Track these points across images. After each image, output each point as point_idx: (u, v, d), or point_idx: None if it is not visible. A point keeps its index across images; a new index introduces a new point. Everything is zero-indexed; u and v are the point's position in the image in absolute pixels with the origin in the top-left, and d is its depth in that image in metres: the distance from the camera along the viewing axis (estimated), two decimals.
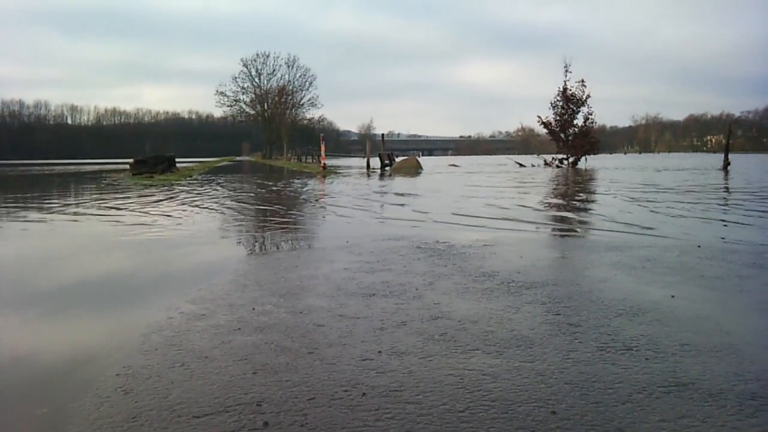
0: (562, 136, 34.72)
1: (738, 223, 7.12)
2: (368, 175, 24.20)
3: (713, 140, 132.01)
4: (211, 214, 8.91)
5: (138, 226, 7.37)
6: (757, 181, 16.06)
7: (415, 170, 27.80)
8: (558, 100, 34.50)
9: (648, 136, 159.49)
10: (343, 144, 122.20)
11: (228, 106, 78.48)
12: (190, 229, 7.09)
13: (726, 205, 9.66)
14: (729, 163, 24.99)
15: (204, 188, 15.79)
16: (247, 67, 77.53)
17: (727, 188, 13.91)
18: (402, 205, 10.28)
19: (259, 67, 77.96)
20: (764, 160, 47.64)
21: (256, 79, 78.24)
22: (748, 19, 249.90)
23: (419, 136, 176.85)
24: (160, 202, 11.04)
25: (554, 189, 14.79)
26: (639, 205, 9.43)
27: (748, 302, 3.33)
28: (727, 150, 25.93)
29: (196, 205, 10.33)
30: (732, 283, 3.77)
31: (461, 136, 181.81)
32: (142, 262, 5.07)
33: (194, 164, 44.65)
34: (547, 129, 35.31)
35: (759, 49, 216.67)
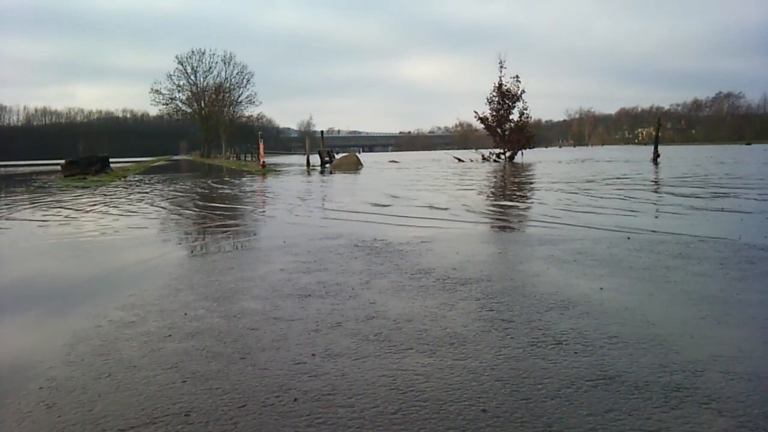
0: (499, 131, 35.28)
1: (666, 213, 7.35)
2: (308, 173, 24.08)
3: (644, 133, 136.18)
4: (144, 215, 8.70)
5: (67, 230, 7.14)
6: (684, 173, 16.62)
7: (355, 167, 27.79)
8: (494, 96, 35.05)
9: (582, 130, 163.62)
10: (283, 141, 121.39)
11: (163, 104, 76.62)
12: (122, 231, 6.91)
13: (655, 196, 9.96)
14: (659, 155, 25.77)
15: (139, 189, 15.43)
16: (182, 65, 75.85)
17: (656, 180, 14.35)
18: (341, 202, 10.25)
19: (195, 65, 76.36)
20: (692, 151, 49.35)
21: (192, 77, 76.59)
22: (678, 15, 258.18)
23: (359, 133, 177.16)
24: (92, 204, 10.72)
25: (491, 184, 14.99)
26: (572, 199, 9.64)
27: (673, 293, 3.43)
28: (656, 142, 26.74)
29: (130, 207, 10.08)
30: (659, 274, 3.88)
31: (401, 132, 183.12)
32: (70, 267, 4.91)
33: (129, 164, 43.64)
34: (484, 124, 35.82)
35: (688, 45, 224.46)
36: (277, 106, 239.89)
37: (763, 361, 2.33)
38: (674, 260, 4.32)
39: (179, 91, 76.46)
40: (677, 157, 32.20)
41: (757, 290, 3.42)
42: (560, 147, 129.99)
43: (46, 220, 8.40)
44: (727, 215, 6.92)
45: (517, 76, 34.77)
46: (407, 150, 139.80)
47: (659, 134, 27.65)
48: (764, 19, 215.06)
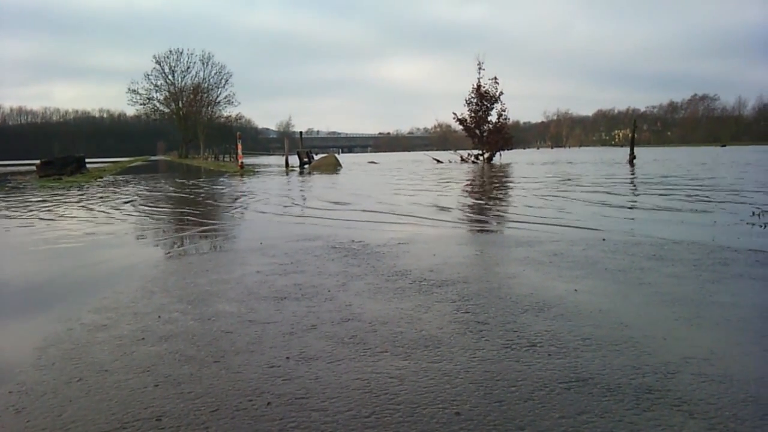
0: (477, 132, 35.41)
1: (641, 215, 7.42)
2: (287, 174, 23.99)
3: (620, 134, 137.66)
4: (120, 217, 8.61)
5: (42, 230, 7.05)
6: (659, 175, 16.79)
7: (334, 168, 27.75)
8: (472, 97, 35.20)
9: (560, 132, 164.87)
10: (261, 142, 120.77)
11: (141, 104, 76.01)
12: (97, 232, 6.84)
13: (631, 198, 10.04)
14: (635, 157, 26.02)
15: (115, 190, 15.28)
16: (160, 65, 75.31)
17: (632, 181, 14.48)
18: (319, 204, 10.22)
19: (173, 64, 75.87)
20: (667, 153, 49.87)
21: (170, 77, 76.12)
22: (656, 18, 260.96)
23: (339, 134, 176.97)
24: (66, 205, 10.59)
25: (469, 185, 15.04)
26: (549, 200, 9.70)
27: (647, 294, 3.45)
28: (632, 144, 27.01)
29: (106, 208, 9.98)
30: (633, 276, 3.91)
31: (380, 133, 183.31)
32: (43, 268, 4.83)
33: (106, 165, 43.18)
34: (463, 126, 35.93)
35: (664, 47, 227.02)
36: (256, 107, 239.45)
37: (735, 363, 2.35)
38: (648, 262, 4.36)
39: (157, 91, 76.03)
40: (653, 159, 32.53)
41: (730, 292, 3.45)
42: (538, 148, 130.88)
43: (20, 221, 8.28)
44: (702, 217, 6.99)
45: (496, 78, 34.97)
46: (386, 151, 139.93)
47: (635, 136, 27.89)
48: (739, 23, 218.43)
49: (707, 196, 9.65)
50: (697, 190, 11.14)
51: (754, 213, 7.04)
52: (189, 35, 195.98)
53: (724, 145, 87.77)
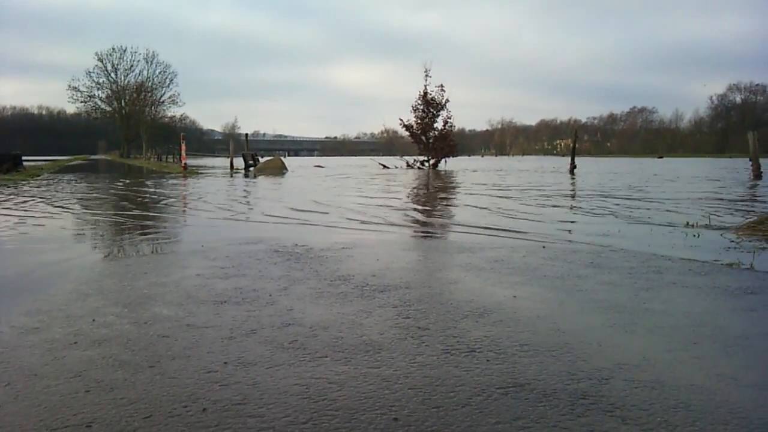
0: (424, 138, 35.71)
1: (580, 222, 7.58)
2: (231, 176, 23.72)
3: (562, 144, 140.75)
4: (56, 217, 8.36)
5: None
6: (598, 184, 17.21)
7: (280, 171, 27.57)
8: (419, 104, 35.49)
9: (504, 140, 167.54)
10: (206, 143, 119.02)
11: (82, 101, 74.15)
12: (30, 233, 6.62)
13: (571, 206, 10.26)
14: (575, 166, 26.58)
15: (52, 189, 14.83)
16: (102, 62, 73.59)
17: (572, 190, 14.80)
18: (263, 206, 10.13)
19: (116, 62, 74.26)
20: (607, 163, 51.18)
21: (113, 75, 74.47)
22: (599, 32, 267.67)
23: (285, 137, 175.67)
24: None
25: (414, 190, 15.13)
26: (492, 207, 9.82)
27: (583, 301, 3.52)
28: (573, 153, 27.56)
29: (41, 208, 9.68)
30: (571, 283, 3.99)
31: (327, 137, 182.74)
32: None
33: (44, 163, 41.88)
34: (409, 132, 36.19)
35: (606, 60, 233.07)
36: (203, 108, 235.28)
37: (667, 369, 2.41)
38: (586, 269, 4.45)
39: (99, 89, 74.29)
40: (592, 169, 33.32)
41: (663, 300, 3.55)
42: (483, 156, 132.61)
43: None
44: (638, 225, 7.18)
45: (442, 85, 35.36)
46: (333, 155, 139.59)
47: (576, 146, 28.51)
48: (679, 39, 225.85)
49: (644, 206, 9.92)
50: (634, 199, 11.44)
51: (688, 223, 7.27)
52: (139, 33, 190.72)
53: (661, 157, 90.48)
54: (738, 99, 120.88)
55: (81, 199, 11.76)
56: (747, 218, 7.63)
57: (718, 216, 8.18)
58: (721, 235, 6.31)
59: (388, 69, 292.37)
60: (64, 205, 10.18)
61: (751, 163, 20.26)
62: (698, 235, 6.28)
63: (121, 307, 3.40)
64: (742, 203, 10.83)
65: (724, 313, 3.29)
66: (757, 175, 19.48)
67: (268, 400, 2.11)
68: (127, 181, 19.53)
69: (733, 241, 5.84)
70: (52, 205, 10.25)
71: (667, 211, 9.08)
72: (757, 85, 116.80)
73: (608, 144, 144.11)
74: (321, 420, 1.96)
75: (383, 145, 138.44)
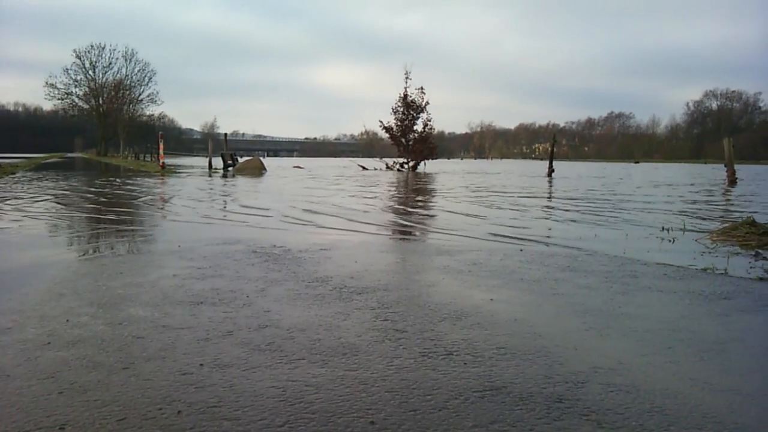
0: (403, 140, 35.83)
1: (557, 226, 7.63)
2: (210, 176, 23.57)
3: (540, 148, 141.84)
4: (31, 215, 8.24)
5: None
6: (576, 188, 17.33)
7: (259, 171, 27.45)
8: (399, 106, 35.62)
9: (483, 143, 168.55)
10: (185, 142, 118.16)
11: (59, 99, 73.30)
12: (4, 231, 6.52)
13: (548, 209, 10.32)
14: (553, 170, 26.76)
15: (27, 187, 14.63)
16: (80, 59, 72.81)
17: (550, 193, 14.89)
18: (241, 207, 10.07)
19: (94, 60, 73.52)
20: (584, 167, 51.60)
21: (90, 72, 73.71)
22: (578, 38, 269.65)
23: (265, 137, 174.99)
24: None
25: (394, 192, 15.14)
26: (472, 209, 9.86)
27: (560, 305, 3.54)
28: (551, 157, 27.73)
29: (15, 205, 9.54)
30: (548, 286, 4.01)
31: (307, 138, 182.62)
32: None
33: (20, 161, 41.31)
34: (389, 134, 36.30)
35: (586, 65, 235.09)
36: (182, 107, 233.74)
37: (641, 373, 2.43)
38: (562, 273, 4.48)
39: (76, 86, 73.47)
40: (570, 172, 33.56)
41: (638, 304, 3.58)
42: (462, 159, 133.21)
43: None
44: (614, 230, 7.24)
45: (422, 88, 35.52)
46: (312, 156, 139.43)
47: (554, 150, 28.69)
48: (656, 45, 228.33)
49: (621, 210, 10.01)
50: (610, 203, 11.54)
51: (663, 228, 7.35)
52: (120, 30, 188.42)
53: (638, 162, 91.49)
54: (714, 105, 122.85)
55: (57, 197, 11.61)
56: (721, 224, 7.72)
57: (693, 221, 8.28)
58: (696, 240, 6.39)
59: (371, 71, 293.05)
60: (40, 204, 10.04)
61: (726, 169, 20.54)
62: (673, 240, 6.35)
63: (96, 307, 3.36)
64: (717, 209, 10.97)
65: (699, 317, 3.32)
66: (732, 180, 19.76)
67: (244, 403, 2.09)
68: (105, 179, 19.32)
69: (707, 247, 5.91)
70: (26, 202, 10.11)
71: (643, 215, 9.16)
72: (733, 91, 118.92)
73: (586, 148, 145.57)
74: (297, 423, 1.95)
75: (363, 147, 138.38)
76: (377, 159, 43.41)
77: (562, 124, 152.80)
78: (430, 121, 35.82)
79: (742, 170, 20.76)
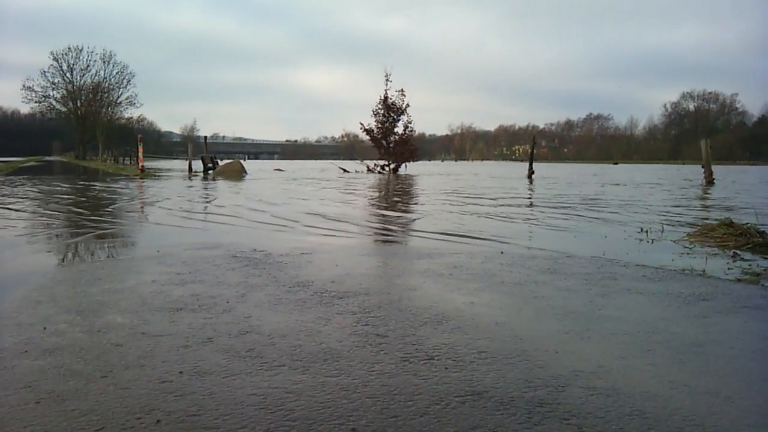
0: (384, 143, 35.81)
1: (538, 228, 7.67)
2: (190, 179, 23.42)
3: (520, 150, 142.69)
4: (6, 219, 8.14)
5: None
6: (555, 191, 17.44)
7: (239, 174, 27.30)
8: (380, 108, 35.58)
9: (463, 145, 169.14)
10: (164, 145, 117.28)
11: (36, 101, 72.55)
12: None
13: (529, 211, 10.38)
14: (534, 172, 26.92)
15: (4, 191, 14.44)
16: (57, 61, 72.11)
17: (531, 196, 14.98)
18: (221, 211, 10.02)
19: (72, 62, 72.84)
20: (563, 168, 51.93)
21: (68, 74, 73.03)
22: (559, 40, 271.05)
23: (245, 140, 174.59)
24: None
25: (374, 195, 15.13)
26: (452, 212, 9.88)
27: (541, 308, 3.56)
28: (531, 159, 27.93)
29: None
30: (528, 290, 4.02)
31: (288, 140, 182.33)
32: None
33: None
34: (370, 136, 36.27)
35: (565, 68, 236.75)
36: (161, 109, 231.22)
37: (621, 376, 2.44)
38: (543, 275, 4.50)
39: (54, 89, 72.74)
40: (550, 175, 33.76)
41: (618, 306, 3.60)
42: (443, 161, 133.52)
43: None
44: (594, 231, 7.29)
45: (402, 90, 35.54)
46: (293, 159, 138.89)
47: (534, 151, 28.88)
48: (634, 47, 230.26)
49: (600, 211, 10.08)
50: (590, 205, 11.62)
51: (642, 229, 7.41)
52: (99, 32, 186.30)
53: (617, 163, 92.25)
54: (691, 107, 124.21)
55: (34, 201, 11.48)
56: (699, 225, 7.80)
57: (671, 223, 8.36)
58: (674, 241, 6.45)
59: (352, 73, 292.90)
60: (16, 208, 9.91)
61: (703, 169, 20.78)
62: (652, 242, 6.40)
63: (74, 314, 3.32)
64: (695, 210, 11.08)
65: (678, 319, 3.35)
66: (710, 181, 20.00)
67: (224, 411, 2.07)
68: (83, 183, 19.13)
69: (686, 248, 5.97)
70: (3, 207, 9.98)
71: (622, 217, 9.24)
72: (710, 93, 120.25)
73: (565, 150, 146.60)
74: (278, 431, 1.93)
75: (344, 149, 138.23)
76: (358, 161, 43.42)
77: (541, 126, 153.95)
78: (410, 123, 35.86)
79: (718, 171, 21.00)
